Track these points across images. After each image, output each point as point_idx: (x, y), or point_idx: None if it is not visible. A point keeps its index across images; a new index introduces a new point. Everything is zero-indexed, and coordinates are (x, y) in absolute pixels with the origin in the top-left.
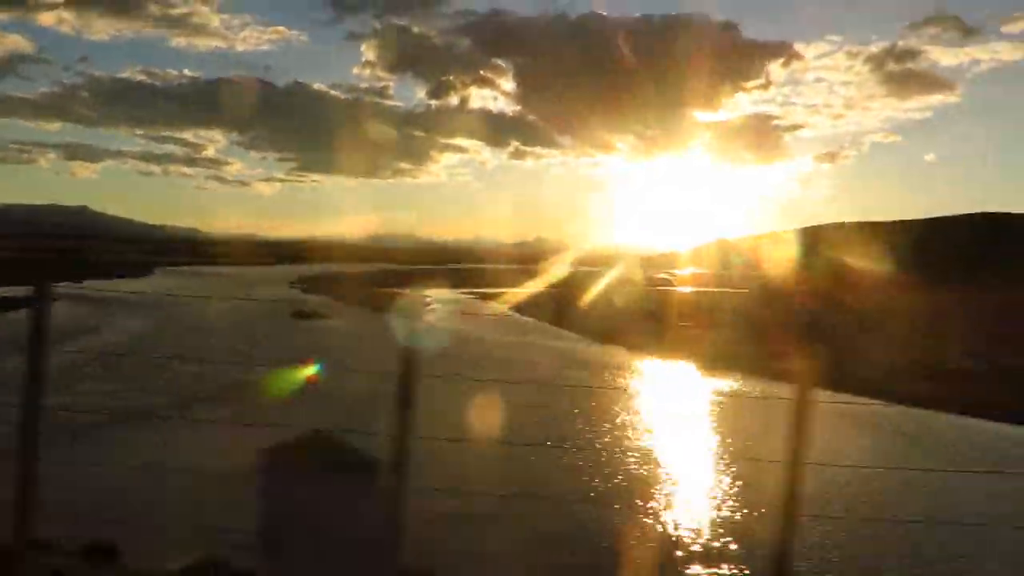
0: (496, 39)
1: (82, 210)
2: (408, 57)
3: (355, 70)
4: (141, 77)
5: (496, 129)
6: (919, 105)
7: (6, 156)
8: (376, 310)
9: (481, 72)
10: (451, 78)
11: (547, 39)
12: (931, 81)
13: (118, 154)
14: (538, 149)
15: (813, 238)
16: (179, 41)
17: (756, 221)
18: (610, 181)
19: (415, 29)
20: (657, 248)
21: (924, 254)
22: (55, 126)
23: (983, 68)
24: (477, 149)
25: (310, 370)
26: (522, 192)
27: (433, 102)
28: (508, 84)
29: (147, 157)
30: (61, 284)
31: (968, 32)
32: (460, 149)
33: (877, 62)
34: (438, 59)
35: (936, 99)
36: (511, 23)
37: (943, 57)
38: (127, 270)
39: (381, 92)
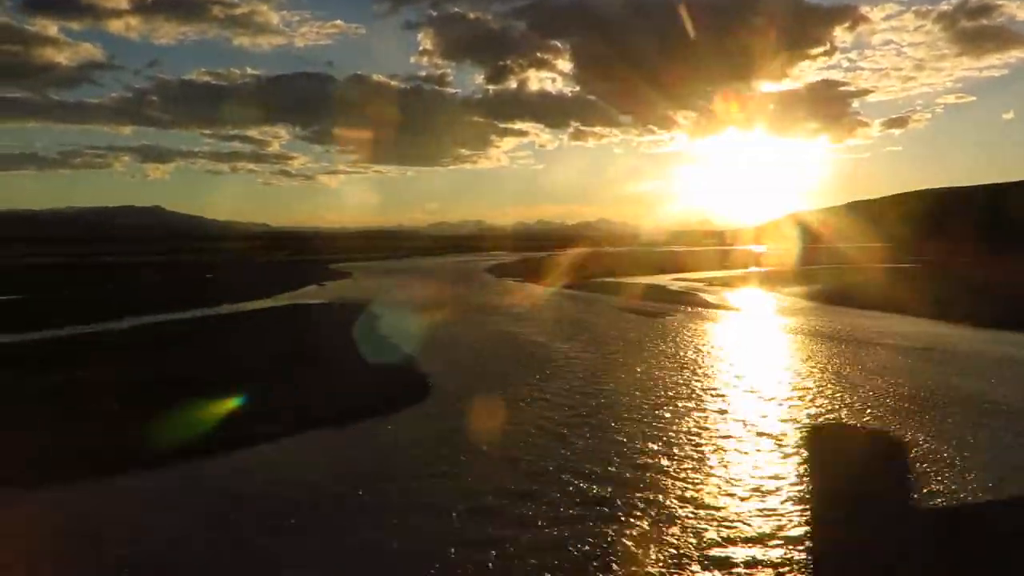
0: (552, 20)
1: (155, 209)
2: (465, 43)
3: (413, 59)
4: (207, 78)
5: (555, 111)
6: (995, 63)
7: (83, 161)
8: (660, 301)
9: (538, 54)
10: (508, 62)
11: (604, 16)
12: (1007, 37)
13: (188, 154)
14: (598, 129)
15: (894, 207)
16: (242, 40)
17: (826, 193)
18: (674, 157)
19: (471, 15)
20: (727, 223)
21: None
22: (128, 130)
23: None
24: (537, 132)
25: None
26: (584, 173)
27: (491, 87)
28: (566, 65)
29: (215, 156)
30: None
31: None
32: (520, 133)
33: (948, 20)
34: (495, 44)
35: (1013, 55)
36: (567, 3)
37: (1020, 11)
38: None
39: (440, 80)
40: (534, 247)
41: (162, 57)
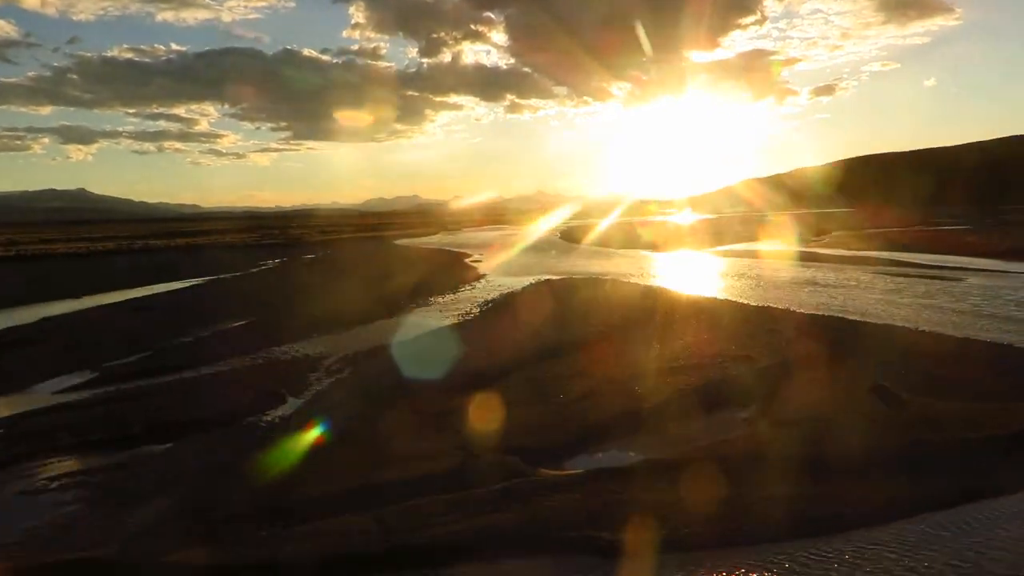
0: None
1: (80, 193)
2: (398, 16)
3: (345, 33)
4: (130, 55)
5: (490, 84)
6: (918, 30)
7: (0, 143)
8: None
9: (472, 26)
10: (442, 35)
11: None
12: (930, 5)
13: (112, 134)
14: (533, 101)
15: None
16: (166, 16)
17: (758, 163)
18: (608, 129)
19: None
20: (662, 195)
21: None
22: (47, 110)
23: None
24: (472, 105)
25: None
26: (519, 146)
27: (425, 60)
28: (500, 37)
29: (141, 136)
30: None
31: None
32: (455, 107)
33: None
34: (428, 16)
35: (936, 23)
36: None
37: None
38: None
39: (372, 54)
40: (502, 221)
41: (81, 34)
